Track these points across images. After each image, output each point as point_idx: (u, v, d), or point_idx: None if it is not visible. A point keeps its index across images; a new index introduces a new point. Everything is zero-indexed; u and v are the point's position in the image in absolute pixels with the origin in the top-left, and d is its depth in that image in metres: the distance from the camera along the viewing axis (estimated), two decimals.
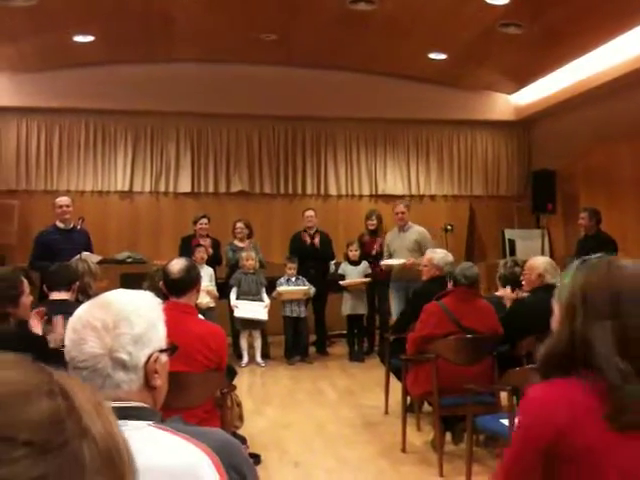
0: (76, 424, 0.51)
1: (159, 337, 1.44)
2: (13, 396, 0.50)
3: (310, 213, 8.14)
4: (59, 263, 4.40)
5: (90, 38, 8.09)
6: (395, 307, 7.22)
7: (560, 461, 1.39)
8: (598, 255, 1.62)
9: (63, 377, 0.54)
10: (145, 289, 4.32)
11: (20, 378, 0.53)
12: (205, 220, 7.71)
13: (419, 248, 7.20)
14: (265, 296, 7.48)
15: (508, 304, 4.87)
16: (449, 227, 9.42)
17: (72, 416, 0.51)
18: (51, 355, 3.03)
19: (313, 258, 7.78)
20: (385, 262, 7.39)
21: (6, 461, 0.47)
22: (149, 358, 1.40)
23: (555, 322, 1.58)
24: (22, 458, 0.47)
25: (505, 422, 3.50)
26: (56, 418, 0.50)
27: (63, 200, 6.46)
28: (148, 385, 1.39)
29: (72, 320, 1.41)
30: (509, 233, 9.97)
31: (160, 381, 1.41)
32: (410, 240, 7.30)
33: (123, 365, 1.36)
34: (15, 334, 2.96)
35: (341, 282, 7.62)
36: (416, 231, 7.42)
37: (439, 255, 5.42)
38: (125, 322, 1.39)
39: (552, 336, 1.57)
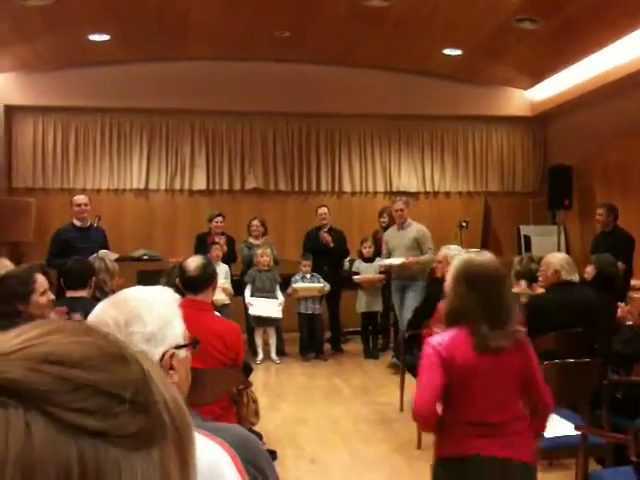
0: (156, 387, 0.55)
1: (174, 333, 1.44)
2: (112, 356, 0.54)
3: (323, 210, 8.15)
4: (74, 258, 4.41)
5: (105, 37, 8.14)
6: (397, 306, 7.14)
7: (450, 369, 2.38)
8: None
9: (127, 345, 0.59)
10: (162, 286, 4.33)
11: (108, 342, 0.56)
12: (220, 218, 7.74)
13: (418, 246, 7.07)
14: (279, 293, 7.49)
15: (523, 300, 4.85)
16: (464, 223, 9.37)
17: (153, 380, 0.55)
18: None
19: (327, 255, 7.78)
20: (384, 262, 7.28)
21: (110, 415, 0.50)
22: (163, 355, 1.40)
23: (447, 288, 2.54)
24: (122, 414, 0.51)
25: None
26: (146, 380, 0.54)
27: (81, 199, 6.51)
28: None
29: (90, 318, 1.43)
30: (525, 229, 9.90)
31: (177, 377, 1.42)
32: (409, 238, 7.11)
33: None
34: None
35: (355, 278, 7.61)
36: (415, 229, 7.22)
37: (454, 252, 5.39)
38: (137, 320, 1.39)
39: (447, 299, 2.54)
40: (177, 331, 1.46)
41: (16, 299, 3.14)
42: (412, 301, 6.81)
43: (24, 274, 3.30)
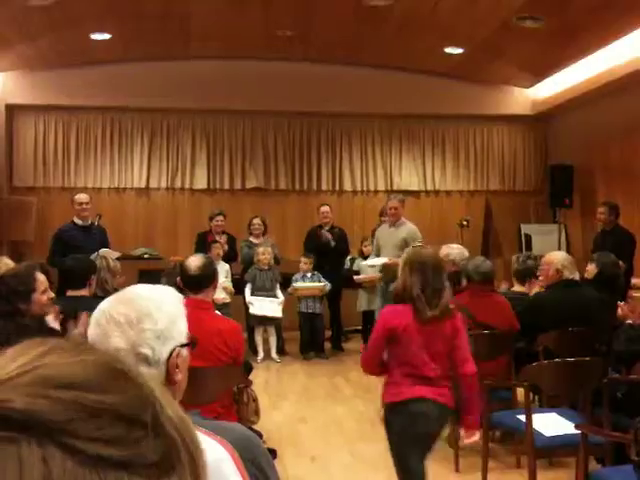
0: (165, 406, 0.50)
1: (180, 332, 1.45)
2: (122, 375, 0.49)
3: (326, 209, 8.15)
4: (74, 256, 4.42)
5: (107, 36, 8.14)
6: (377, 306, 6.98)
7: (395, 339, 3.05)
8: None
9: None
10: (163, 285, 4.34)
11: (111, 359, 0.51)
12: (221, 217, 7.74)
13: (406, 246, 6.94)
14: (280, 293, 7.50)
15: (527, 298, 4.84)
16: (465, 222, 9.37)
17: (160, 398, 0.50)
18: None
19: (328, 254, 7.78)
20: (367, 263, 7.14)
21: (132, 442, 0.45)
22: (171, 353, 1.41)
23: (398, 274, 3.17)
24: (144, 439, 0.46)
25: (522, 418, 3.48)
26: (156, 398, 0.50)
27: (82, 197, 6.52)
28: (169, 380, 1.40)
29: (96, 315, 1.42)
30: (526, 228, 9.90)
31: (181, 375, 1.43)
32: (399, 237, 6.86)
33: (146, 360, 1.37)
34: (33, 328, 2.98)
35: (355, 278, 7.60)
36: (407, 229, 6.99)
37: (456, 251, 5.39)
38: (148, 317, 1.40)
39: (397, 281, 3.19)
40: (182, 329, 1.47)
41: (17, 298, 3.13)
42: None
43: (24, 273, 3.29)
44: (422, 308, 3.04)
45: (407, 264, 3.12)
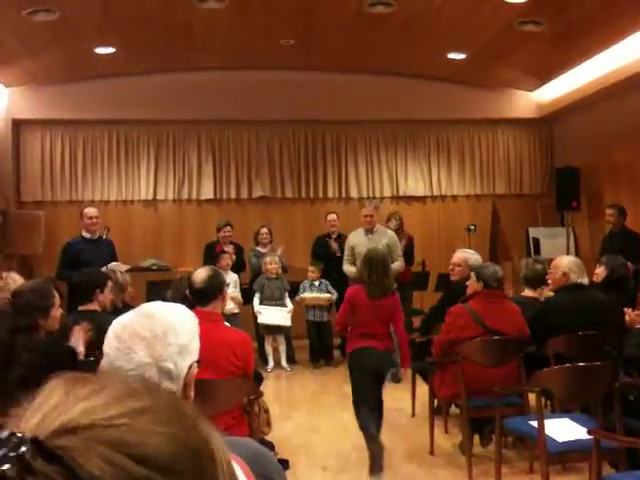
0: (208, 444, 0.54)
1: (196, 348, 1.48)
2: (203, 456, 0.53)
3: (333, 217, 8.16)
4: (83, 271, 4.44)
5: (111, 50, 8.19)
6: None
7: (354, 308, 4.34)
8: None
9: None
10: (169, 297, 4.39)
11: (193, 432, 0.54)
12: (229, 227, 7.77)
13: (389, 253, 6.61)
14: (288, 301, 7.50)
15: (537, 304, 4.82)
16: (472, 227, 9.36)
17: (229, 468, 0.55)
18: (80, 366, 3.07)
19: (336, 262, 7.78)
20: (350, 271, 6.90)
21: None
22: (189, 368, 1.42)
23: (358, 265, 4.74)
24: None
25: (534, 424, 3.47)
26: (231, 471, 0.55)
27: (92, 211, 6.54)
28: (184, 396, 1.41)
29: (116, 330, 1.42)
30: (533, 232, 9.87)
31: (192, 392, 1.44)
32: (380, 244, 6.65)
33: (169, 375, 1.38)
34: (46, 345, 3.00)
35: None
36: (385, 234, 6.93)
37: (474, 257, 5.38)
38: (172, 332, 1.42)
39: (357, 270, 4.99)
40: (197, 346, 1.49)
41: (37, 313, 3.16)
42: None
43: (43, 288, 3.32)
44: (369, 289, 4.31)
45: (363, 259, 4.52)
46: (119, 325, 1.43)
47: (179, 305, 1.57)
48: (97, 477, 0.46)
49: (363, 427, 4.34)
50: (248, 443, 1.42)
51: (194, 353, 1.46)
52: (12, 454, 0.47)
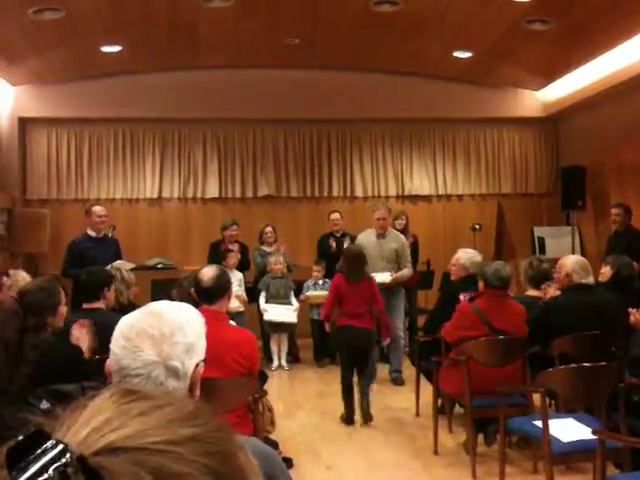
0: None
1: (203, 347, 1.49)
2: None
3: (336, 216, 8.16)
4: (88, 269, 4.45)
5: (117, 48, 8.21)
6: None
7: (339, 293, 5.46)
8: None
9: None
10: (174, 296, 4.40)
11: (226, 462, 0.57)
12: (235, 227, 7.77)
13: (396, 259, 6.68)
14: (294, 299, 7.52)
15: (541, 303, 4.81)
16: (477, 226, 9.35)
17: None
18: (86, 365, 3.08)
19: (339, 260, 7.78)
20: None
21: None
22: (196, 367, 1.43)
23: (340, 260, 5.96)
24: None
25: (538, 424, 3.47)
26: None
27: (101, 210, 6.55)
28: (190, 394, 1.42)
29: (123, 329, 1.43)
30: (538, 231, 9.85)
31: (198, 391, 1.45)
32: (390, 249, 6.64)
33: (176, 373, 1.39)
34: (52, 344, 3.01)
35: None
36: (397, 239, 6.77)
37: (467, 255, 5.40)
38: (180, 331, 1.43)
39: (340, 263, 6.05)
40: (204, 345, 1.50)
41: (47, 312, 3.19)
42: (397, 311, 6.74)
43: (50, 286, 3.34)
44: (347, 275, 5.42)
45: (342, 255, 5.88)
46: (126, 324, 1.44)
47: (186, 304, 1.58)
48: None
49: (342, 381, 5.47)
50: (254, 443, 1.43)
51: (201, 352, 1.47)
52: (56, 465, 0.48)
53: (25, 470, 0.47)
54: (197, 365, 1.45)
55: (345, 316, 5.39)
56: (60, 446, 0.49)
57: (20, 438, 0.49)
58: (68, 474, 0.47)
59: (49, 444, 0.49)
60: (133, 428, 0.52)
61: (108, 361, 1.43)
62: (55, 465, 0.48)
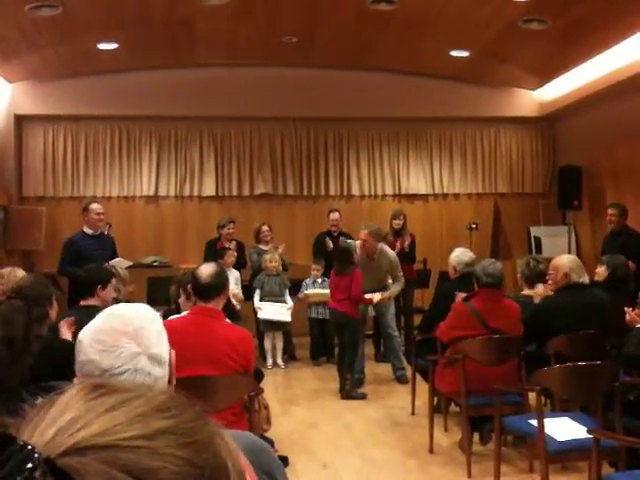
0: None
1: (165, 334, 1.51)
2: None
3: (335, 216, 8.17)
4: (87, 267, 4.44)
5: (114, 45, 8.19)
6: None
7: (333, 282, 6.47)
8: None
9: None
10: (172, 293, 4.38)
11: (205, 454, 0.55)
12: (232, 225, 7.78)
13: (387, 277, 6.76)
14: (288, 298, 7.52)
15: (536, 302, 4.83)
16: (473, 225, 9.36)
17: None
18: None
19: None
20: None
21: None
22: (170, 354, 1.47)
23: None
24: None
25: (534, 422, 3.47)
26: None
27: (99, 208, 6.55)
28: (170, 381, 1.46)
29: (92, 336, 1.41)
30: (535, 230, 9.88)
31: (174, 379, 1.47)
32: (381, 270, 6.66)
33: (159, 361, 1.42)
34: (47, 340, 3.00)
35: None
36: (387, 259, 6.67)
37: (454, 254, 5.44)
38: (145, 320, 1.46)
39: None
40: (165, 331, 1.52)
41: (47, 302, 3.22)
42: (388, 310, 6.82)
43: (41, 280, 3.40)
44: (335, 269, 6.37)
45: (334, 249, 7.15)
46: (92, 331, 1.43)
47: (137, 304, 1.60)
48: None
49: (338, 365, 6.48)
50: (247, 437, 1.43)
51: (166, 338, 1.49)
52: (26, 467, 0.46)
53: None
54: (170, 351, 1.47)
55: (333, 301, 6.45)
56: (27, 448, 0.47)
57: None
58: (36, 478, 0.45)
59: (16, 447, 0.47)
60: (101, 425, 0.50)
61: (84, 370, 1.40)
62: (26, 466, 0.46)
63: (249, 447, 1.32)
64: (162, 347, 1.44)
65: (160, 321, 1.52)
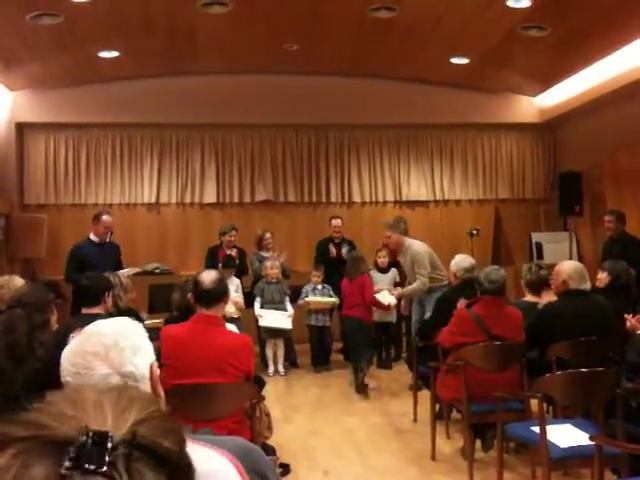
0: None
1: (150, 348, 1.51)
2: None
3: (337, 222, 8.18)
4: (88, 274, 4.44)
5: (115, 54, 8.22)
6: (415, 319, 7.02)
7: (344, 289, 6.96)
8: None
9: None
10: (175, 300, 4.38)
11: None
12: (234, 232, 7.80)
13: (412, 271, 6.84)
14: (289, 305, 7.52)
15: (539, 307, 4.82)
16: (474, 232, 9.35)
17: None
18: None
19: (339, 266, 7.78)
20: (378, 297, 6.93)
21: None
22: (151, 368, 1.46)
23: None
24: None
25: (536, 429, 3.46)
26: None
27: (110, 221, 6.71)
28: (155, 394, 1.46)
29: (68, 358, 1.44)
30: (536, 236, 9.87)
31: (162, 390, 1.47)
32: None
33: (133, 378, 1.43)
34: (48, 349, 3.00)
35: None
36: (406, 253, 6.87)
37: (453, 261, 5.43)
38: (120, 337, 1.46)
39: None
40: (150, 345, 1.53)
41: (48, 308, 3.22)
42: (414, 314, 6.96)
43: (39, 287, 3.40)
44: (347, 273, 6.71)
45: (348, 256, 7.31)
46: (69, 354, 1.46)
47: (117, 318, 1.61)
48: (173, 451, 0.63)
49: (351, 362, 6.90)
50: (237, 440, 1.44)
51: (150, 352, 1.49)
52: (111, 451, 0.60)
53: (87, 466, 0.59)
54: (152, 365, 1.47)
55: (345, 307, 6.79)
56: (107, 434, 0.61)
57: (77, 446, 0.60)
58: (125, 454, 0.60)
59: (89, 437, 0.61)
60: (134, 406, 0.67)
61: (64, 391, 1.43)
62: (110, 451, 0.60)
63: (240, 450, 1.32)
64: (138, 362, 1.44)
65: (139, 331, 1.51)
